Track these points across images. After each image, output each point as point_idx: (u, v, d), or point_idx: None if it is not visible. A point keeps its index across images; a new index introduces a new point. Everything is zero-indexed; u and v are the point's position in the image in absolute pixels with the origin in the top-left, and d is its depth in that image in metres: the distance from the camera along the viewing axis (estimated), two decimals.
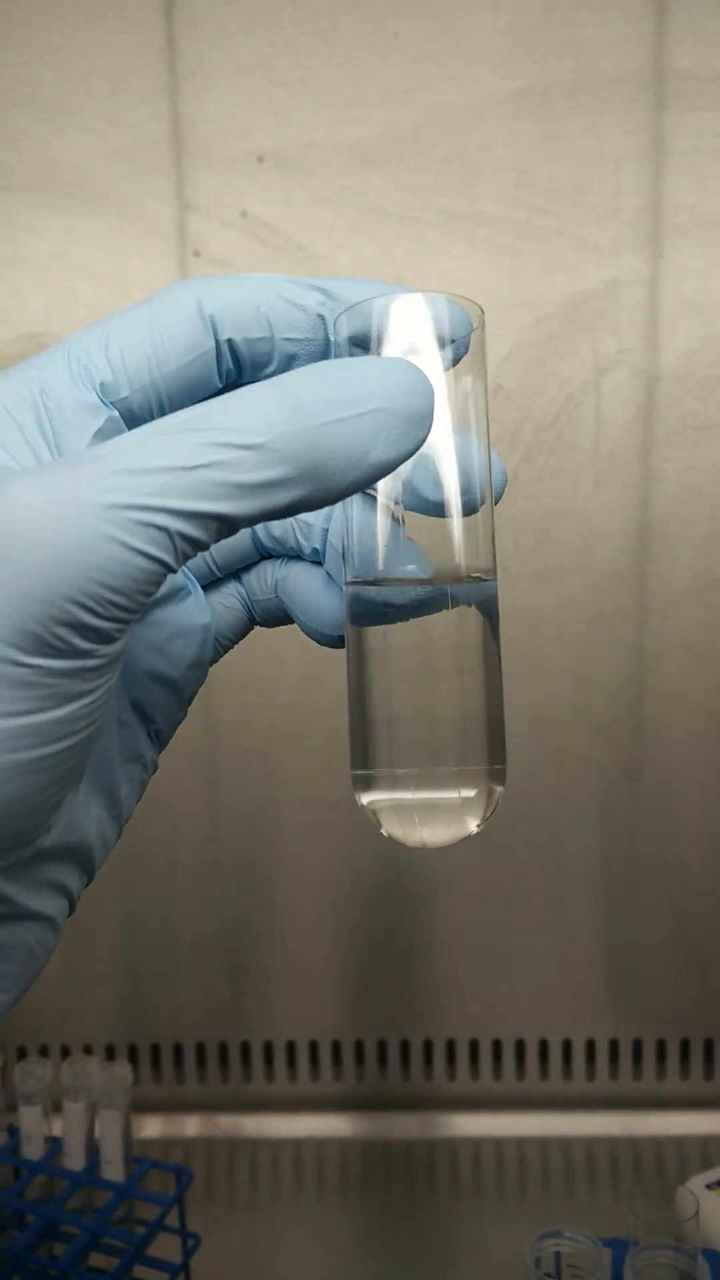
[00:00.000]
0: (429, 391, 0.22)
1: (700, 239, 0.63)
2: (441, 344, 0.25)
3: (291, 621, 0.29)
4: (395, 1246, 0.63)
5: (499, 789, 0.26)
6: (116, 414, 0.24)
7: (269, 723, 0.69)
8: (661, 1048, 0.72)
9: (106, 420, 0.24)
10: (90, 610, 0.20)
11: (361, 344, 0.25)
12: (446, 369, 0.25)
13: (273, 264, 0.64)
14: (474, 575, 0.25)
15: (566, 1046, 0.72)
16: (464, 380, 0.25)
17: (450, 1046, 0.73)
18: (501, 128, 0.62)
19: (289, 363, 0.26)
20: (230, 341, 0.25)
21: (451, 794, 0.25)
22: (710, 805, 0.69)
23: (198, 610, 0.27)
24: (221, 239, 0.64)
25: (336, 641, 0.27)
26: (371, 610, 0.25)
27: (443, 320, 0.25)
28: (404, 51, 0.62)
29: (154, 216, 0.64)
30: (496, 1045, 0.73)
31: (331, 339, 0.26)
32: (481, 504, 0.25)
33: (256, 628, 0.30)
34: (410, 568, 0.25)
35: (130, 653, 0.26)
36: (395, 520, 0.25)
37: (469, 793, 0.25)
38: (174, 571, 0.21)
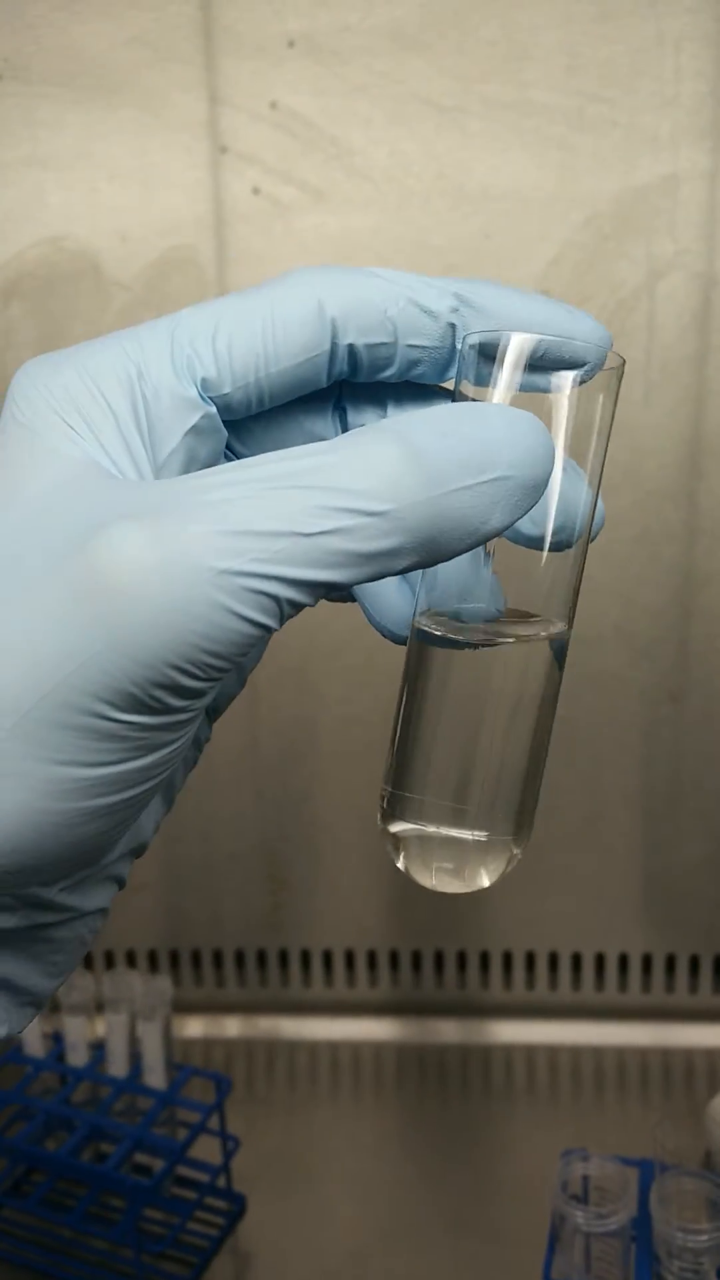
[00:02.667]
0: (551, 458, 0.21)
1: None
2: (571, 388, 0.23)
3: (353, 599, 0.27)
4: (428, 1149, 0.65)
5: (518, 852, 0.25)
6: (214, 409, 0.23)
7: (306, 642, 0.68)
8: (695, 963, 0.72)
9: (202, 417, 0.23)
10: (189, 674, 0.19)
11: (489, 358, 0.23)
12: (572, 412, 0.23)
13: (304, 160, 0.61)
14: (550, 621, 0.25)
15: (600, 960, 0.73)
16: (587, 423, 0.24)
17: (484, 957, 0.74)
18: (552, 7, 0.57)
19: (409, 368, 0.24)
20: (350, 345, 0.23)
21: (469, 840, 0.24)
22: None
23: None
24: (251, 133, 0.60)
25: (403, 641, 0.26)
26: (438, 638, 0.25)
27: (578, 363, 0.23)
28: None
29: (180, 109, 0.60)
30: (530, 957, 0.74)
31: (458, 348, 0.24)
32: (575, 546, 0.24)
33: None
34: (486, 605, 0.24)
35: None
36: (484, 551, 0.24)
37: (486, 842, 0.25)
38: (276, 630, 0.20)
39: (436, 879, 0.25)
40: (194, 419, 0.23)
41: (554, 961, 0.73)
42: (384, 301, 0.23)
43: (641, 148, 0.60)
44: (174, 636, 0.19)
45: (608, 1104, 0.68)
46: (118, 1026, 0.61)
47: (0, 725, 0.19)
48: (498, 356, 0.23)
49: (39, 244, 0.62)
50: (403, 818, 0.25)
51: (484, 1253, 0.57)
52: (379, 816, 0.26)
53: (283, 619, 0.20)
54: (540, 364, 0.23)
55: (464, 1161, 0.64)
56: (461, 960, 0.74)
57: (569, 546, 0.24)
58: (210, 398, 0.23)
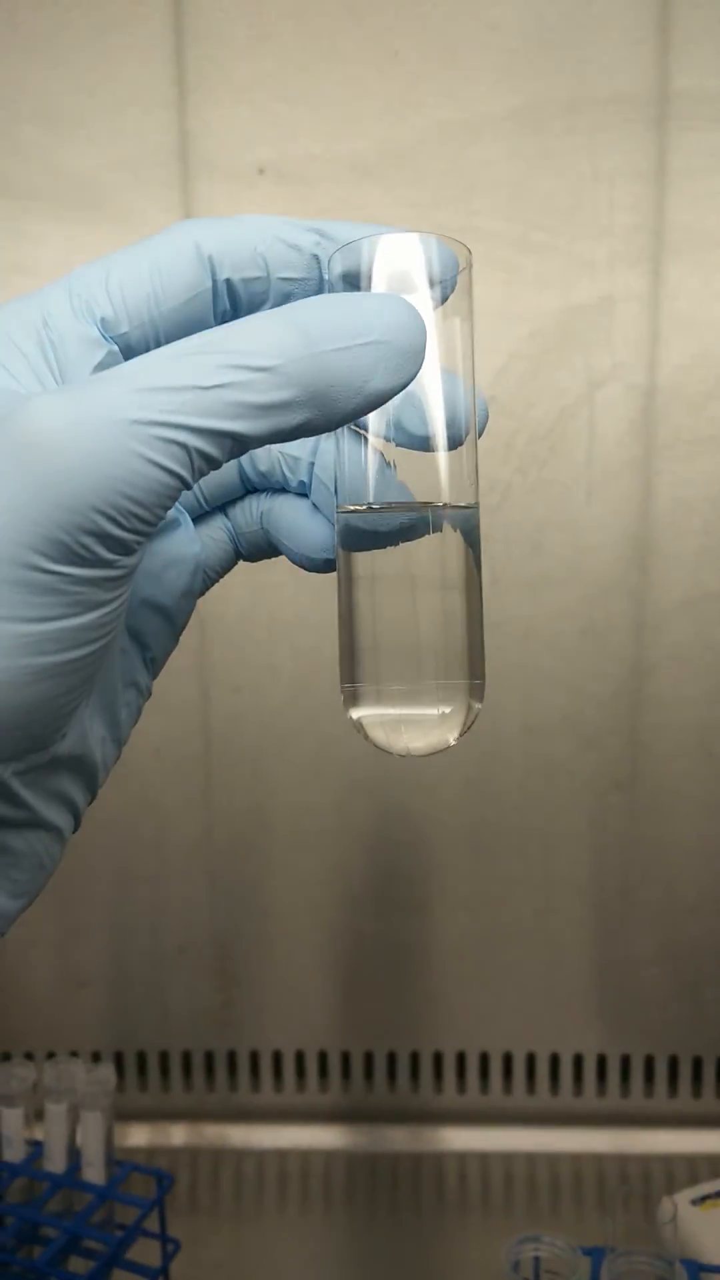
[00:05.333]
0: (422, 327, 0.23)
1: (694, 257, 0.64)
2: (430, 283, 0.26)
3: (276, 554, 0.30)
4: (379, 1260, 0.63)
5: (477, 705, 0.27)
6: (116, 348, 0.25)
7: (260, 729, 0.69)
8: (650, 1064, 0.71)
9: (107, 354, 0.25)
10: (114, 521, 0.21)
11: (354, 282, 0.26)
12: (435, 307, 0.26)
13: None
14: (457, 505, 0.27)
15: (554, 1061, 0.72)
16: (451, 319, 0.26)
17: (437, 1059, 0.72)
18: (498, 144, 0.63)
19: (284, 301, 0.27)
20: (228, 281, 0.26)
21: (430, 709, 0.26)
22: (701, 820, 0.69)
23: (188, 540, 0.28)
24: None
25: (323, 565, 0.28)
26: (361, 536, 0.27)
27: (432, 260, 0.26)
28: (404, 68, 0.63)
29: (157, 226, 0.64)
30: (484, 1058, 0.72)
31: (325, 277, 0.26)
32: (465, 439, 0.27)
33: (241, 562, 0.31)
34: (396, 500, 0.27)
35: None
36: (383, 459, 0.26)
37: (447, 707, 0.26)
38: (190, 488, 0.22)
39: (409, 747, 0.27)
40: (98, 356, 0.25)
41: (508, 1063, 0.72)
42: (253, 240, 0.26)
43: (580, 271, 0.65)
44: (96, 482, 0.20)
45: (563, 1213, 0.66)
46: (57, 1118, 0.59)
47: None
48: (360, 269, 0.26)
49: None
50: (361, 703, 0.27)
51: None
52: (344, 706, 0.27)
53: (194, 471, 0.22)
54: (404, 287, 0.26)
55: (416, 1275, 0.61)
56: (414, 1062, 0.72)
57: (460, 444, 0.26)
58: (111, 338, 0.25)
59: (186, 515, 0.29)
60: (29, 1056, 0.73)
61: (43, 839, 0.24)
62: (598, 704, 0.68)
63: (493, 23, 0.63)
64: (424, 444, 0.26)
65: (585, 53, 0.63)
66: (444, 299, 0.26)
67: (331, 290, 0.26)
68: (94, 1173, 0.58)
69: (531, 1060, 0.72)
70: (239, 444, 0.22)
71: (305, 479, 0.28)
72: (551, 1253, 0.47)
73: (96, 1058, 0.73)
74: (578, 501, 0.66)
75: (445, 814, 0.69)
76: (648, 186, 0.63)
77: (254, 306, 0.26)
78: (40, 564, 0.20)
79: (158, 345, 0.26)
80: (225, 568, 0.30)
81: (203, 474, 0.22)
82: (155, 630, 0.28)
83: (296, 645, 0.68)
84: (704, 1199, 0.59)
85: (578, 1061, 0.72)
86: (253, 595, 0.68)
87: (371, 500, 0.26)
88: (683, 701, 0.68)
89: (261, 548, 0.30)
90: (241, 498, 0.30)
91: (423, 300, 0.26)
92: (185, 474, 0.21)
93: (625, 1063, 0.71)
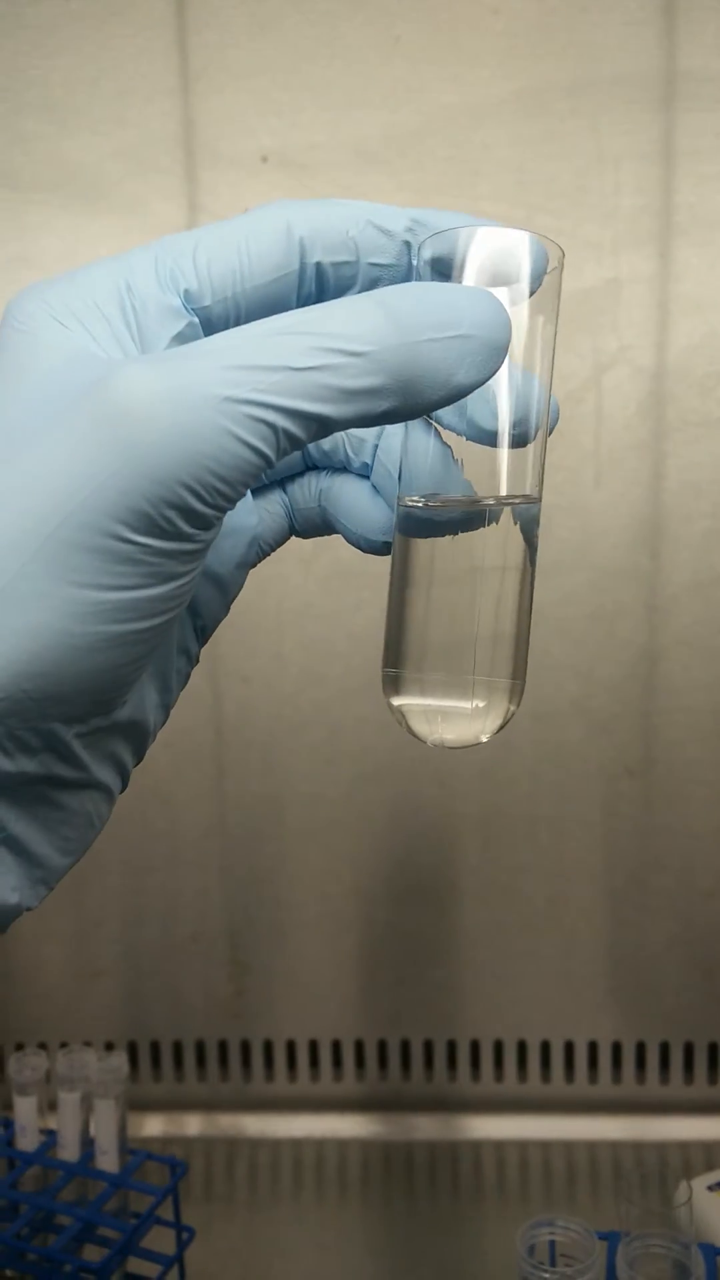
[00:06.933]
0: (508, 324, 0.23)
1: (700, 238, 0.64)
2: (519, 279, 0.26)
3: (330, 532, 0.30)
4: (393, 1248, 0.62)
5: (514, 706, 0.27)
6: (197, 321, 0.25)
7: (271, 719, 0.69)
8: (665, 1051, 0.71)
9: (186, 325, 0.25)
10: (198, 496, 0.21)
11: (443, 271, 0.25)
12: (520, 304, 0.26)
13: None
14: (519, 501, 0.27)
15: (569, 1048, 0.71)
16: (535, 317, 0.26)
17: (451, 1047, 0.72)
18: (502, 128, 0.63)
19: (372, 286, 0.26)
20: (317, 265, 0.26)
21: (467, 703, 0.26)
22: (715, 804, 0.69)
23: (246, 513, 0.28)
24: None
25: (381, 548, 0.28)
26: (420, 524, 0.27)
27: (524, 257, 0.26)
28: (405, 53, 0.63)
29: (160, 215, 0.65)
30: (498, 1046, 0.72)
31: (414, 264, 0.26)
32: (535, 437, 0.26)
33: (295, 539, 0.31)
34: (457, 494, 0.27)
35: None
36: (451, 453, 0.26)
37: (483, 703, 0.26)
38: (273, 466, 0.22)
39: (443, 739, 0.27)
40: (179, 326, 0.25)
41: (522, 1051, 0.72)
42: (346, 223, 0.25)
43: (586, 254, 0.64)
44: (184, 457, 0.20)
45: (579, 1201, 0.66)
46: (70, 1107, 0.59)
47: (26, 549, 0.20)
48: (452, 259, 0.25)
49: None
50: (402, 691, 0.27)
51: None
52: (384, 691, 0.28)
53: (279, 450, 0.22)
54: (492, 280, 0.25)
55: (430, 1262, 0.61)
56: (428, 1050, 0.72)
57: (529, 441, 0.26)
58: (192, 310, 0.25)
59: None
60: (42, 1047, 0.73)
61: (94, 798, 0.24)
62: (608, 689, 0.68)
63: (494, 6, 0.62)
64: (493, 439, 0.26)
65: (588, 34, 0.62)
66: (531, 294, 0.26)
67: (419, 278, 0.26)
68: (108, 1161, 0.58)
69: (546, 1048, 0.72)
70: (324, 426, 0.22)
71: (368, 460, 0.28)
72: (567, 1237, 0.47)
73: (110, 1048, 0.73)
74: (586, 485, 0.66)
75: (457, 802, 0.69)
76: (653, 168, 0.63)
77: (341, 290, 0.26)
78: (122, 534, 0.21)
79: (238, 322, 0.25)
80: (279, 541, 0.30)
81: (286, 454, 0.22)
82: (208, 599, 0.28)
83: (304, 635, 0.68)
84: (719, 1185, 0.59)
85: (593, 1048, 0.71)
86: (260, 585, 0.67)
87: (435, 492, 0.26)
88: (694, 685, 0.67)
89: (316, 525, 0.29)
90: (301, 474, 0.30)
91: (510, 296, 0.25)
92: (271, 453, 0.22)
93: (640, 1049, 0.71)
